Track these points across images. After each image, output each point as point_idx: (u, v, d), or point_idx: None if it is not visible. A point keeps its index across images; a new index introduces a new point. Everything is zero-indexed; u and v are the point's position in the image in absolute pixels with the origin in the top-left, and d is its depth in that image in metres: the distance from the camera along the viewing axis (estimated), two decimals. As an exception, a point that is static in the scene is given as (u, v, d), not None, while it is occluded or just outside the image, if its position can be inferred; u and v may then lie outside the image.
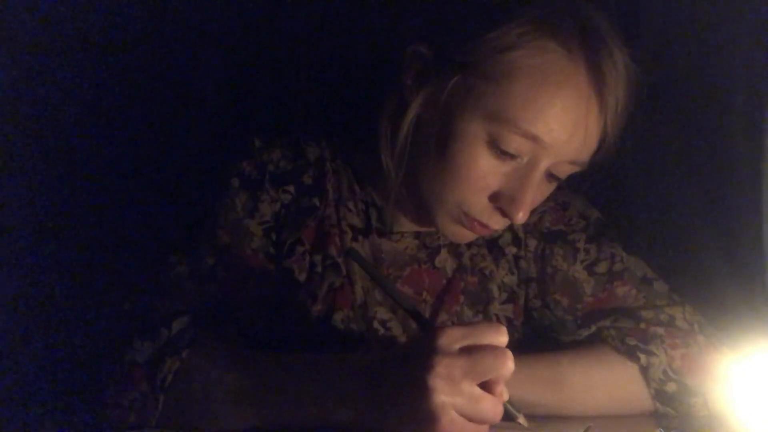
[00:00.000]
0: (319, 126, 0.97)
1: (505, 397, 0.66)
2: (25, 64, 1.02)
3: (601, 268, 0.89)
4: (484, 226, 0.83)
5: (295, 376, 0.71)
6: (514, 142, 0.77)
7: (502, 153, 0.78)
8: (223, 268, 0.83)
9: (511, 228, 0.93)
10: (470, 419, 0.63)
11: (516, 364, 0.81)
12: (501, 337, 0.65)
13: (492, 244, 0.93)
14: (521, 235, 0.93)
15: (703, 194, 0.97)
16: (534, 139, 0.77)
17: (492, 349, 0.64)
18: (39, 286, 1.04)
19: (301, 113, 1.08)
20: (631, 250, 0.91)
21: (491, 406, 0.64)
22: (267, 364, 0.74)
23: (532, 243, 0.93)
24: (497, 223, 0.83)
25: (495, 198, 0.80)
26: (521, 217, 0.80)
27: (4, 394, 0.96)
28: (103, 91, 1.07)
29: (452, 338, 0.64)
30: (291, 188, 0.88)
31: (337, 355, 0.73)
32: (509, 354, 0.64)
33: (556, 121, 0.77)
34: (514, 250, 0.93)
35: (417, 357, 0.64)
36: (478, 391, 0.63)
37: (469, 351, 0.63)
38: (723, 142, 0.94)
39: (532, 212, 0.92)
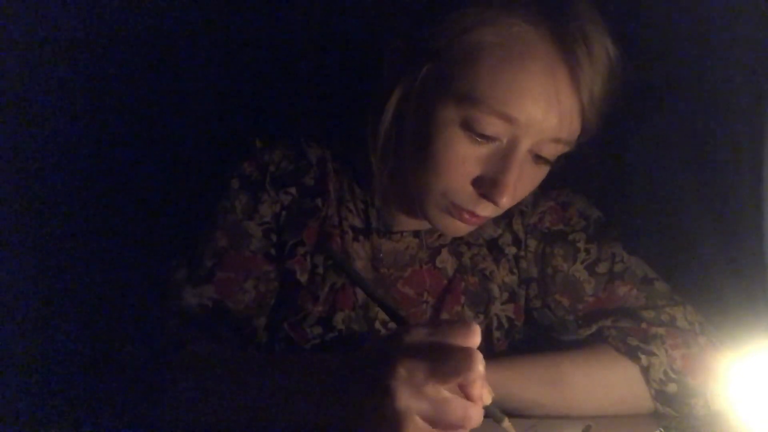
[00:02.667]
0: (319, 126, 0.97)
1: (487, 400, 0.61)
2: (26, 65, 1.02)
3: (602, 268, 0.89)
4: (471, 214, 0.80)
5: (272, 377, 0.70)
6: (489, 124, 0.75)
7: (478, 136, 0.76)
8: (221, 270, 0.83)
9: (511, 228, 0.93)
10: (437, 424, 0.59)
11: (517, 364, 0.82)
12: (470, 337, 0.60)
13: (492, 245, 0.93)
14: (521, 235, 0.93)
15: (704, 194, 0.96)
16: (507, 118, 0.75)
17: (458, 350, 0.59)
18: (38, 289, 1.04)
19: (301, 114, 1.08)
20: (632, 250, 0.91)
21: (460, 411, 0.59)
22: (250, 364, 0.73)
23: (533, 243, 0.93)
24: (484, 210, 0.80)
25: (478, 183, 0.79)
26: (505, 201, 0.77)
27: (3, 394, 0.96)
28: (104, 92, 1.07)
29: (416, 338, 0.60)
30: (292, 189, 0.88)
31: (318, 356, 0.72)
32: (477, 355, 0.58)
33: (526, 96, 0.74)
34: (514, 250, 0.93)
35: (379, 358, 0.61)
36: (444, 394, 0.59)
37: (433, 352, 0.59)
38: (724, 142, 0.94)
39: (535, 211, 0.93)
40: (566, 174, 0.94)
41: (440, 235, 0.91)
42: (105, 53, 1.06)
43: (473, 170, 0.78)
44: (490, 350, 0.91)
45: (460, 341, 0.59)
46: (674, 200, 0.99)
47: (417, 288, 0.90)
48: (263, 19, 1.09)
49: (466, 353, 0.58)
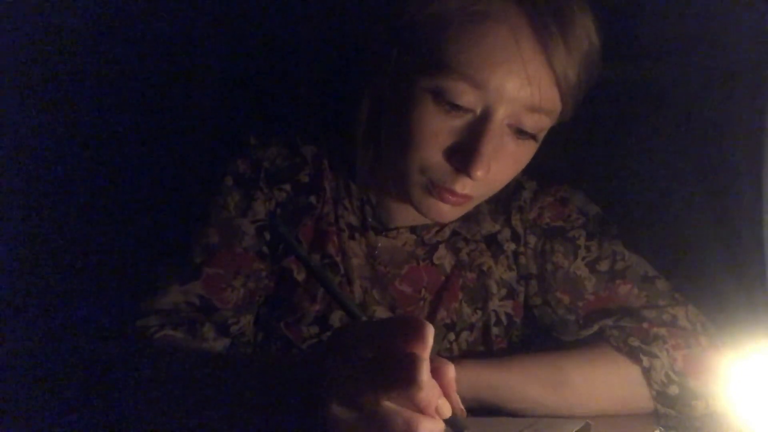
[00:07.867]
0: (314, 124, 0.97)
1: (446, 413, 0.52)
2: (24, 63, 1.02)
3: (603, 266, 0.88)
4: (452, 192, 0.78)
5: (227, 377, 0.67)
6: (460, 92, 0.74)
7: (451, 106, 0.75)
8: (210, 267, 0.82)
9: (510, 224, 0.92)
10: None
11: (518, 364, 0.81)
12: (416, 340, 0.50)
13: (491, 240, 0.92)
14: (520, 231, 0.93)
15: (705, 193, 0.96)
16: (475, 83, 0.74)
17: (399, 357, 0.50)
18: (33, 285, 1.04)
19: (296, 111, 1.08)
20: (632, 249, 0.90)
21: (402, 427, 0.50)
22: (216, 363, 0.71)
23: (532, 239, 0.92)
24: (463, 188, 0.78)
25: (454, 158, 0.77)
26: (480, 173, 0.75)
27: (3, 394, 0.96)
28: (100, 89, 1.07)
29: (355, 338, 0.52)
30: (287, 186, 0.87)
31: (272, 358, 0.71)
32: (419, 365, 0.49)
33: (491, 60, 0.73)
34: (513, 246, 0.92)
35: (316, 363, 0.54)
36: (383, 407, 0.50)
37: (375, 356, 0.51)
38: (724, 141, 0.94)
39: (534, 207, 0.92)
40: (567, 173, 0.94)
41: (437, 231, 0.91)
42: (101, 51, 1.06)
43: (448, 143, 0.77)
44: (488, 347, 0.90)
45: (403, 345, 0.51)
46: (674, 200, 0.99)
47: (414, 285, 0.89)
48: (261, 15, 1.09)
49: (406, 362, 0.50)
